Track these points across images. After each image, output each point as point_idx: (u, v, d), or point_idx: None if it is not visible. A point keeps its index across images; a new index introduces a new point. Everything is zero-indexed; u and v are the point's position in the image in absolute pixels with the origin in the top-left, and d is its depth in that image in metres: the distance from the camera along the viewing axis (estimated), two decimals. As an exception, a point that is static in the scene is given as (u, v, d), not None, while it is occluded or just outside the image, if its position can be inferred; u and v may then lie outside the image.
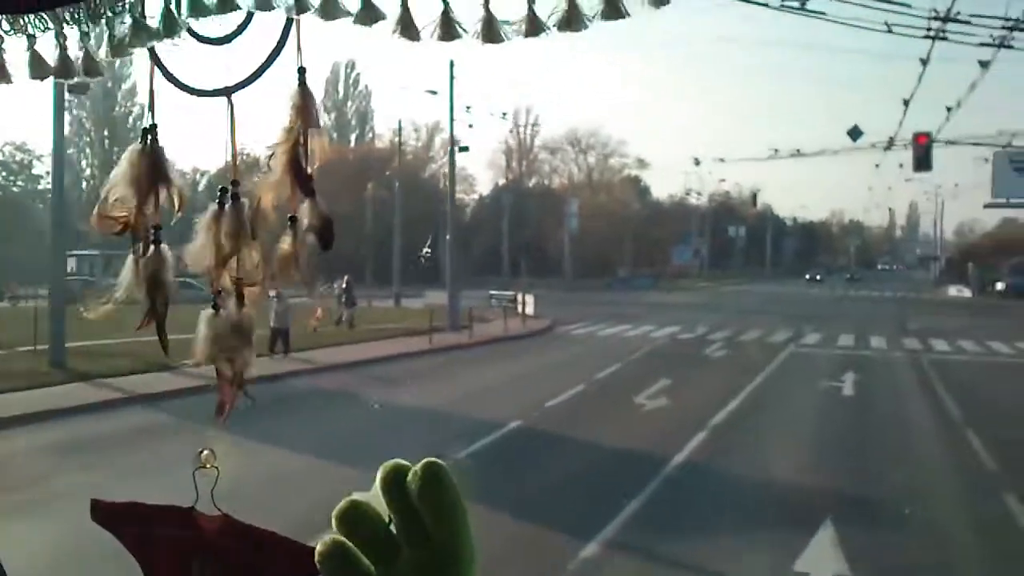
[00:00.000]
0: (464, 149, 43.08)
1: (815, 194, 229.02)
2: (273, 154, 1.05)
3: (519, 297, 38.23)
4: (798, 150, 35.14)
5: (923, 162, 30.99)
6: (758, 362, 23.86)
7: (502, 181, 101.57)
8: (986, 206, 75.44)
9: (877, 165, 45.47)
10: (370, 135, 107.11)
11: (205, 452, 1.06)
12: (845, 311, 47.70)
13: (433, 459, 0.94)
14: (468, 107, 48.16)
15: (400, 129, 65.44)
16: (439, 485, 0.94)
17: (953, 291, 67.14)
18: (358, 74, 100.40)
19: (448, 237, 39.75)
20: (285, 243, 1.06)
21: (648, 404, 16.96)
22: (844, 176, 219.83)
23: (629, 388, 18.59)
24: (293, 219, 1.06)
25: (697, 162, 50.45)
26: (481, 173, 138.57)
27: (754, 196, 76.35)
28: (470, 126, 43.50)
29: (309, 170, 1.05)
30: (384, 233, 66.05)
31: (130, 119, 76.12)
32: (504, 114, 63.75)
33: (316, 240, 1.06)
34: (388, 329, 29.31)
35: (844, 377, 20.97)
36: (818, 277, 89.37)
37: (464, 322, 31.50)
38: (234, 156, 1.06)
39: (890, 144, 31.17)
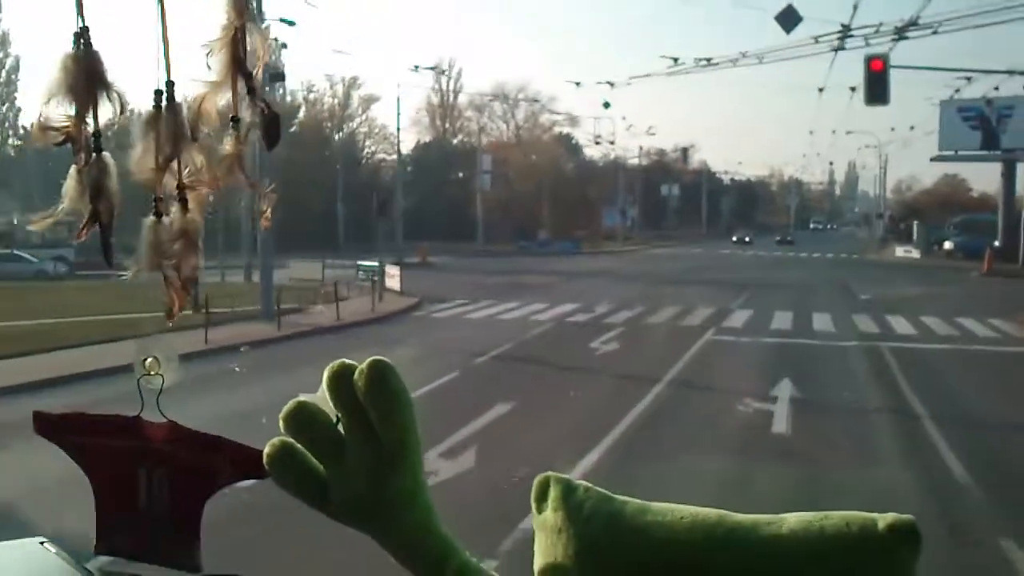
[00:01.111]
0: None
1: (753, 151, 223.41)
2: (211, 52, 1.01)
3: (388, 269, 30.91)
4: (708, 59, 27.44)
5: (877, 92, 24.07)
6: (659, 362, 16.68)
7: (426, 140, 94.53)
8: (933, 159, 69.19)
9: (821, 89, 38.38)
10: (280, 90, 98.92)
11: (149, 359, 1.07)
12: (783, 277, 40.84)
13: (379, 357, 0.96)
14: (389, 59, 42.30)
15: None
16: (385, 382, 0.95)
17: (900, 251, 60.85)
18: (267, 26, 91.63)
19: (242, 202, 32.19)
20: (228, 144, 1.04)
21: (442, 467, 9.66)
22: (783, 131, 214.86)
23: (437, 428, 11.16)
24: (235, 119, 1.03)
25: (607, 104, 43.24)
26: (404, 133, 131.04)
27: (684, 151, 69.43)
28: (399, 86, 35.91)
29: (252, 68, 1.02)
30: (291, 197, 59.17)
31: (2, 72, 67.14)
32: (417, 67, 56.44)
33: (262, 137, 1.03)
34: (185, 317, 21.71)
35: (776, 392, 13.71)
36: (747, 239, 79.77)
37: (302, 303, 24.42)
38: (167, 55, 1.01)
39: (841, 42, 23.79)
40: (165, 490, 1.12)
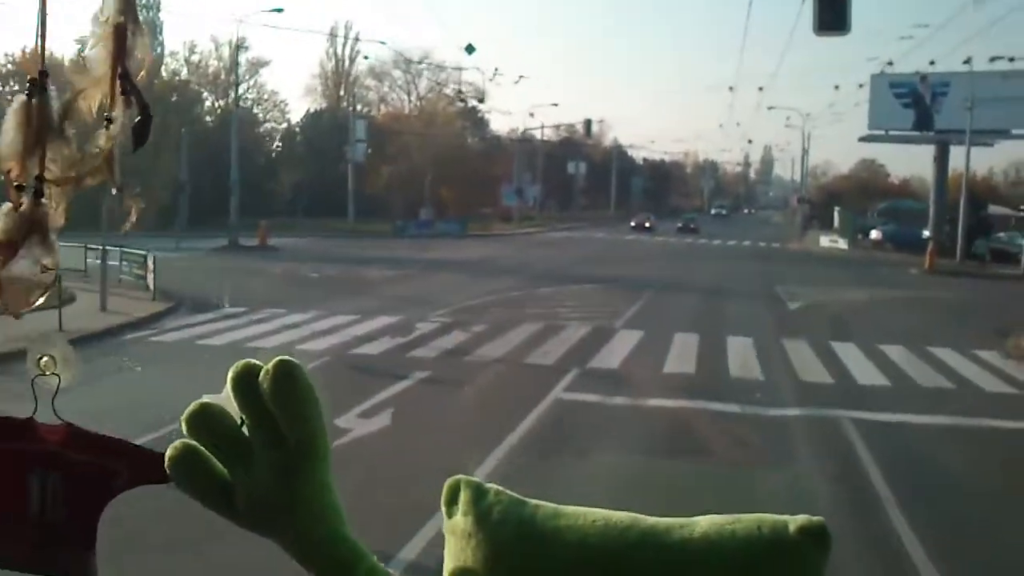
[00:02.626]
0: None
1: (669, 132, 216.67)
2: (84, 46, 0.98)
3: (149, 261, 21.94)
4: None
5: (833, 15, 15.98)
6: (420, 487, 8.45)
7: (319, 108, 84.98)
8: (862, 139, 61.87)
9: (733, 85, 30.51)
10: (159, 49, 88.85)
11: (44, 359, 1.01)
12: (693, 274, 32.76)
13: (286, 357, 0.92)
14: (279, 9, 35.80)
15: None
16: (292, 382, 0.92)
17: (826, 241, 53.40)
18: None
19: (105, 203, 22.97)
20: (100, 140, 1.00)
21: None
22: (702, 109, 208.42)
23: None
24: (109, 119, 1.00)
25: (470, 49, 34.87)
26: (298, 102, 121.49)
27: (588, 124, 61.05)
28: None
29: (131, 66, 0.98)
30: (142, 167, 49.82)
31: None
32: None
33: (131, 136, 1.00)
34: None
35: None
36: (647, 224, 66.78)
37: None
38: (42, 44, 0.97)
39: None
40: (59, 496, 1.04)
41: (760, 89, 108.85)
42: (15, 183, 0.98)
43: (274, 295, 21.66)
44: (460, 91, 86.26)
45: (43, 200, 0.99)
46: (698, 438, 10.56)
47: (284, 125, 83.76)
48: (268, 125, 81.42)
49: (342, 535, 0.98)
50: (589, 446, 9.94)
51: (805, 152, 64.56)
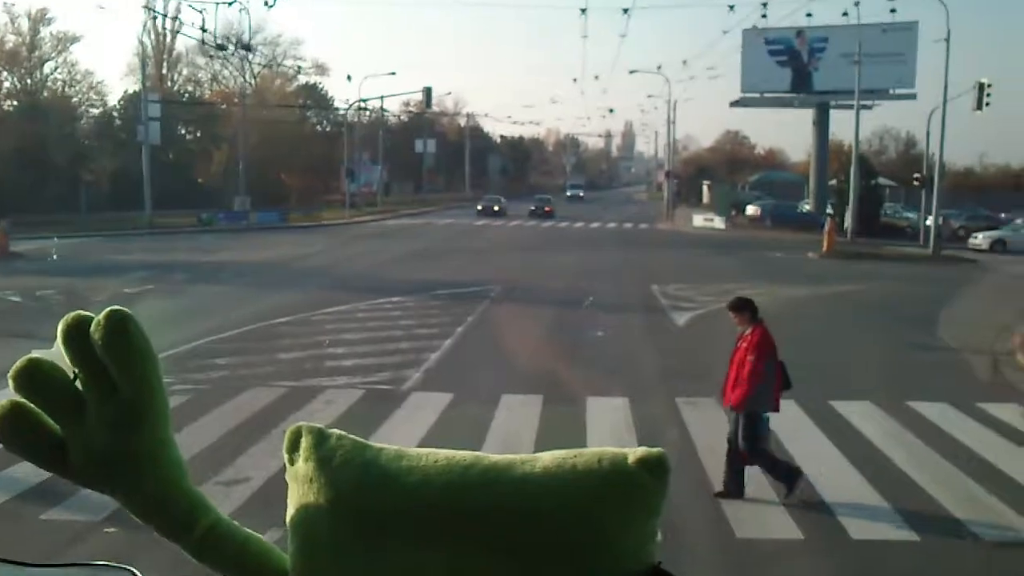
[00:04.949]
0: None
1: (522, 97, 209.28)
2: None
3: None
4: None
5: None
6: None
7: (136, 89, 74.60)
8: (733, 104, 55.80)
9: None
10: (-66, 22, 76.95)
11: None
12: (545, 271, 25.33)
13: (117, 307, 0.89)
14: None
15: None
16: (125, 334, 0.88)
17: (700, 220, 46.92)
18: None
19: None
20: None
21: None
22: (554, 71, 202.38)
23: None
24: None
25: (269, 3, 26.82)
26: (122, 82, 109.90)
27: (427, 93, 52.34)
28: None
29: None
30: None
31: None
32: None
33: None
34: None
35: None
36: (495, 208, 57.81)
37: None
38: None
39: None
40: None
41: (622, 37, 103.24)
42: None
43: None
44: (299, 67, 77.54)
45: None
46: None
47: (100, 109, 73.13)
48: (83, 109, 71.15)
49: (183, 489, 0.94)
50: None
51: (671, 123, 58.13)
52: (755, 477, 7.67)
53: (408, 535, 0.87)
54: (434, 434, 9.01)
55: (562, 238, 40.21)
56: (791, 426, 9.51)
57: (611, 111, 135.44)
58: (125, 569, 1.03)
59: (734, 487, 7.44)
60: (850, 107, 42.15)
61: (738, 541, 6.68)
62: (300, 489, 0.90)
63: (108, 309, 0.88)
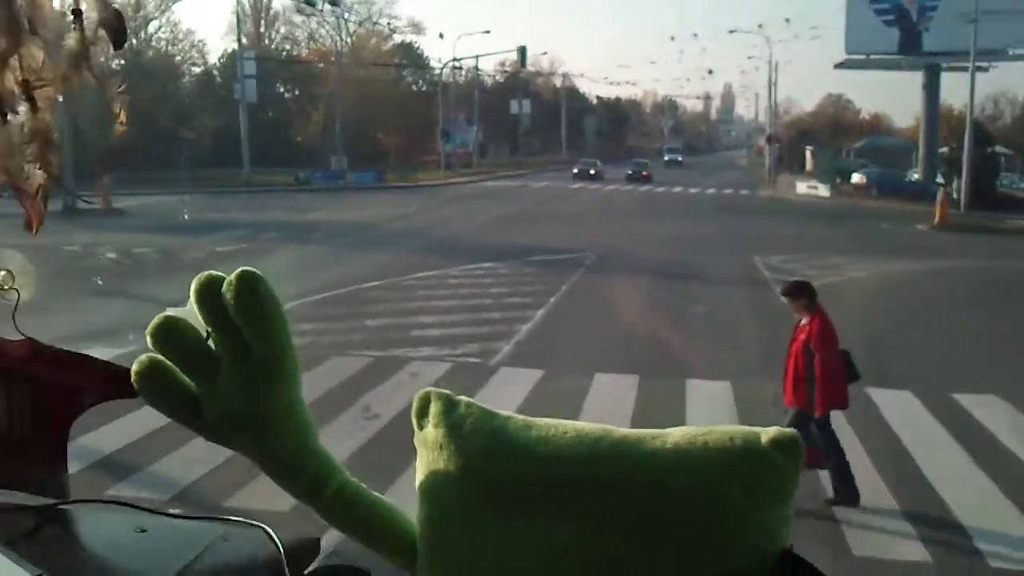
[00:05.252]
0: None
1: (616, 57, 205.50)
2: None
3: None
4: None
5: None
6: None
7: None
8: (837, 66, 53.85)
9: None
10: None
11: (2, 273, 0.98)
12: (637, 240, 24.58)
13: (248, 268, 0.90)
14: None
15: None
16: (256, 294, 0.89)
17: (803, 187, 45.22)
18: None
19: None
20: (72, 39, 0.92)
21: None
22: (661, 43, 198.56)
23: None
24: (77, 12, 0.92)
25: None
26: (220, 41, 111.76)
27: (522, 53, 51.42)
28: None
29: None
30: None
31: None
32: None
33: (107, 34, 0.92)
34: None
35: None
36: (591, 172, 56.11)
37: None
38: None
39: None
40: (27, 412, 1.02)
41: None
42: None
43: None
44: (391, 26, 77.44)
45: (38, 105, 0.94)
46: None
47: (201, 67, 74.49)
48: (185, 67, 72.61)
49: (312, 450, 0.95)
50: None
51: (772, 85, 56.14)
52: (869, 482, 6.94)
53: (538, 505, 0.86)
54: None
55: (659, 204, 39.19)
56: (908, 422, 8.71)
57: (710, 72, 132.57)
58: (257, 526, 0.99)
59: (847, 493, 6.70)
60: (963, 69, 39.82)
61: (856, 560, 5.96)
62: (430, 455, 0.90)
63: (239, 270, 0.88)
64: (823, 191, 43.35)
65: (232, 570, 0.96)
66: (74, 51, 0.92)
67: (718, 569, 0.83)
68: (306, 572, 0.99)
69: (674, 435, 0.87)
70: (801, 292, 7.01)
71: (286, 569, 0.95)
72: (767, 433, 0.84)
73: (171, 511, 1.04)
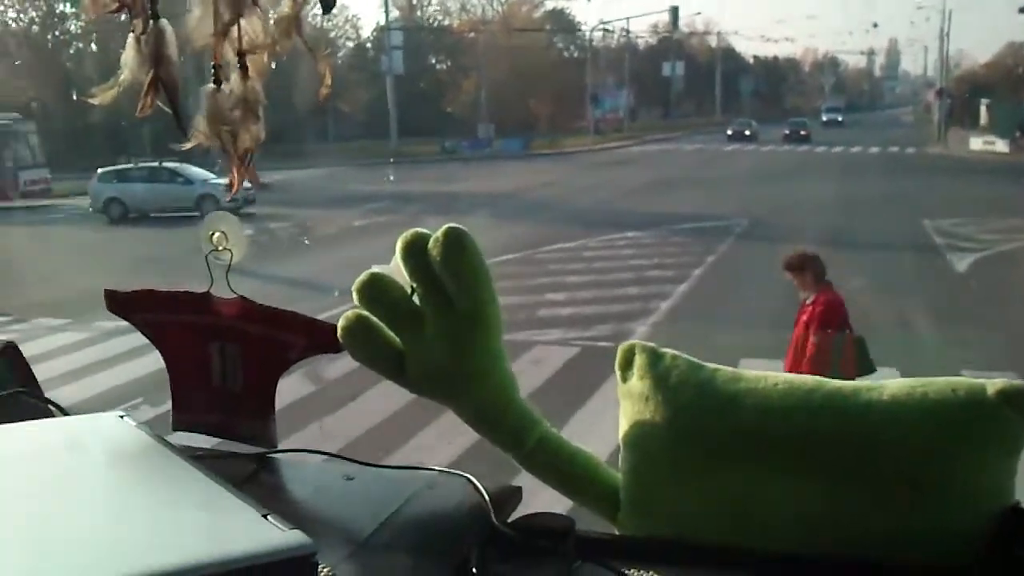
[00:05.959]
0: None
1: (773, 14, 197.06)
2: None
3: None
4: None
5: None
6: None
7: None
8: (1022, 10, 49.90)
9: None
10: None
11: (216, 234, 1.01)
12: (793, 204, 22.64)
13: (454, 225, 0.93)
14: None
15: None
16: (461, 250, 0.92)
17: (978, 143, 41.86)
18: None
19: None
20: (285, 5, 0.97)
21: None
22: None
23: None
24: None
25: None
26: (373, 13, 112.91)
27: (674, 12, 49.38)
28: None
29: None
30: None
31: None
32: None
33: (319, 0, 0.94)
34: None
35: None
36: (746, 132, 54.37)
37: None
38: None
39: None
40: (238, 366, 1.06)
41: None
42: (213, 63, 0.93)
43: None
44: (541, -10, 76.36)
45: (249, 75, 0.94)
46: None
47: (355, 41, 75.63)
48: (341, 41, 73.82)
49: (514, 401, 0.98)
50: None
51: (945, 34, 52.19)
52: None
53: (747, 457, 0.85)
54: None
55: (818, 164, 36.85)
56: None
57: (875, 26, 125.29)
58: (462, 475, 1.01)
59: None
60: None
61: None
62: (634, 407, 0.91)
63: (445, 226, 0.90)
64: (1001, 146, 39.92)
65: (439, 517, 0.97)
66: (287, 16, 0.94)
67: (934, 524, 0.79)
68: (510, 520, 0.96)
69: (890, 387, 0.82)
70: (805, 265, 5.74)
71: (493, 516, 0.93)
72: (994, 384, 0.78)
73: (374, 462, 1.03)
